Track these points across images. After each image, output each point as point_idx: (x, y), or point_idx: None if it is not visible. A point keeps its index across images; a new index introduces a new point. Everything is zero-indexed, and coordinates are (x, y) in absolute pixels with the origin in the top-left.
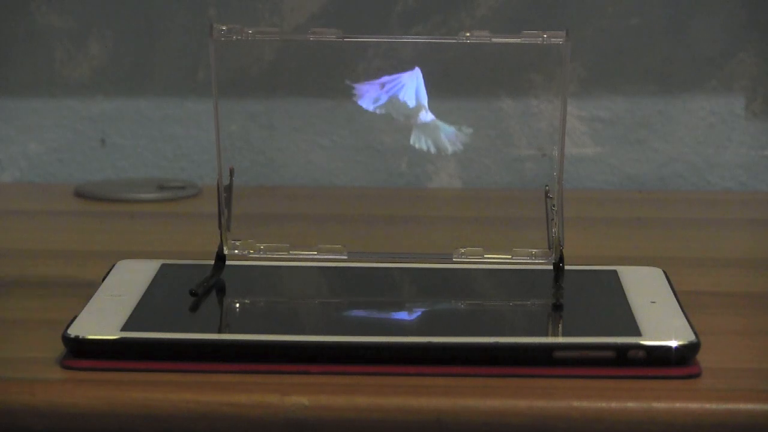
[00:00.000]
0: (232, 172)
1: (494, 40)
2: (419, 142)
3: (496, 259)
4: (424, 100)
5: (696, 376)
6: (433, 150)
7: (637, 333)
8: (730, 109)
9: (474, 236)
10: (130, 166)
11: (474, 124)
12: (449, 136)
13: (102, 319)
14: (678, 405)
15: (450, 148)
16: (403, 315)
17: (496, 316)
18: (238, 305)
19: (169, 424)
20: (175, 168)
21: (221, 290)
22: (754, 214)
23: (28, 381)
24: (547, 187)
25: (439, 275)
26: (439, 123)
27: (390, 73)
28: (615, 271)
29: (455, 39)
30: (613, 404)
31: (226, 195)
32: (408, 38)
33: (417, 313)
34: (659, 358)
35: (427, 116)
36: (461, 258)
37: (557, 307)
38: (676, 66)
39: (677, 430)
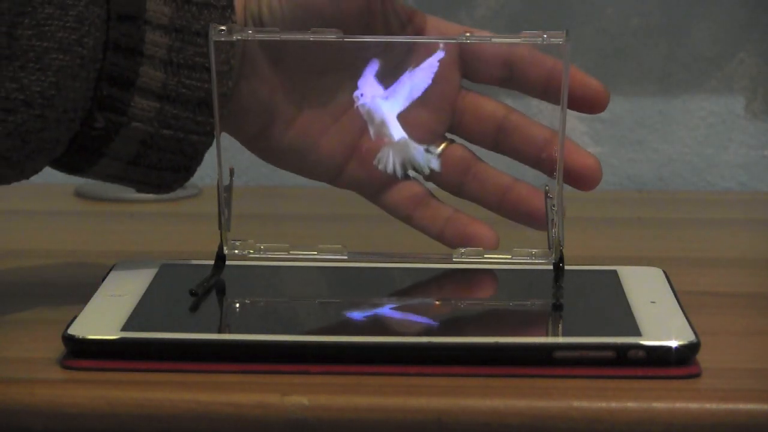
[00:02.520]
0: (232, 172)
1: (494, 40)
2: (385, 162)
3: (496, 259)
4: (394, 115)
5: (696, 376)
6: (399, 173)
7: (637, 333)
8: (730, 109)
9: None
10: None
11: None
12: (417, 159)
13: (102, 319)
14: (678, 405)
15: (417, 171)
16: (403, 315)
17: (496, 316)
18: (238, 305)
19: (169, 424)
20: None
21: (221, 290)
22: (754, 214)
23: (28, 381)
24: (547, 187)
25: (439, 275)
26: (410, 143)
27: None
28: (615, 271)
29: (455, 39)
30: (613, 404)
31: (226, 195)
32: (407, 38)
33: (417, 313)
34: (659, 358)
35: (398, 133)
36: (461, 258)
37: (557, 307)
38: (676, 66)
39: (677, 430)
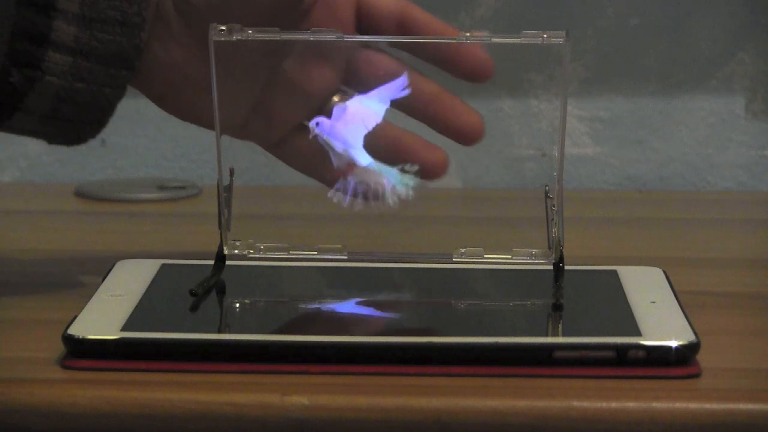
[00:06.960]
0: (232, 172)
1: (494, 40)
2: (354, 188)
3: (496, 259)
4: (360, 137)
5: (696, 376)
6: (372, 201)
7: (637, 333)
8: (730, 109)
9: (474, 236)
10: (130, 166)
11: None
12: (389, 182)
13: (102, 319)
14: (678, 405)
15: (390, 199)
16: (403, 315)
17: (496, 316)
18: (238, 305)
19: (169, 424)
20: (175, 168)
21: (221, 290)
22: (754, 214)
23: (28, 381)
24: (547, 187)
25: (439, 275)
26: (379, 166)
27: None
28: (615, 271)
29: (455, 39)
30: (613, 404)
31: (226, 195)
32: (407, 38)
33: (417, 313)
34: (659, 358)
35: (363, 158)
36: (461, 258)
37: (557, 307)
38: (676, 66)
39: (677, 430)
